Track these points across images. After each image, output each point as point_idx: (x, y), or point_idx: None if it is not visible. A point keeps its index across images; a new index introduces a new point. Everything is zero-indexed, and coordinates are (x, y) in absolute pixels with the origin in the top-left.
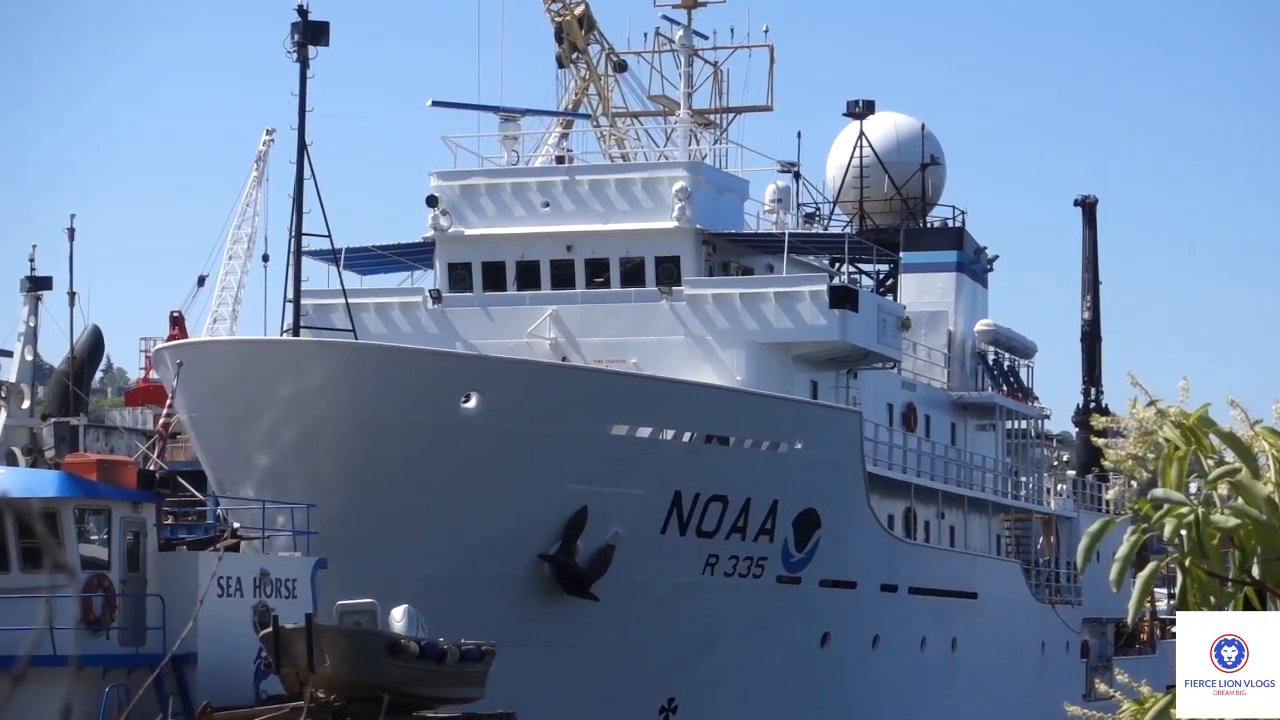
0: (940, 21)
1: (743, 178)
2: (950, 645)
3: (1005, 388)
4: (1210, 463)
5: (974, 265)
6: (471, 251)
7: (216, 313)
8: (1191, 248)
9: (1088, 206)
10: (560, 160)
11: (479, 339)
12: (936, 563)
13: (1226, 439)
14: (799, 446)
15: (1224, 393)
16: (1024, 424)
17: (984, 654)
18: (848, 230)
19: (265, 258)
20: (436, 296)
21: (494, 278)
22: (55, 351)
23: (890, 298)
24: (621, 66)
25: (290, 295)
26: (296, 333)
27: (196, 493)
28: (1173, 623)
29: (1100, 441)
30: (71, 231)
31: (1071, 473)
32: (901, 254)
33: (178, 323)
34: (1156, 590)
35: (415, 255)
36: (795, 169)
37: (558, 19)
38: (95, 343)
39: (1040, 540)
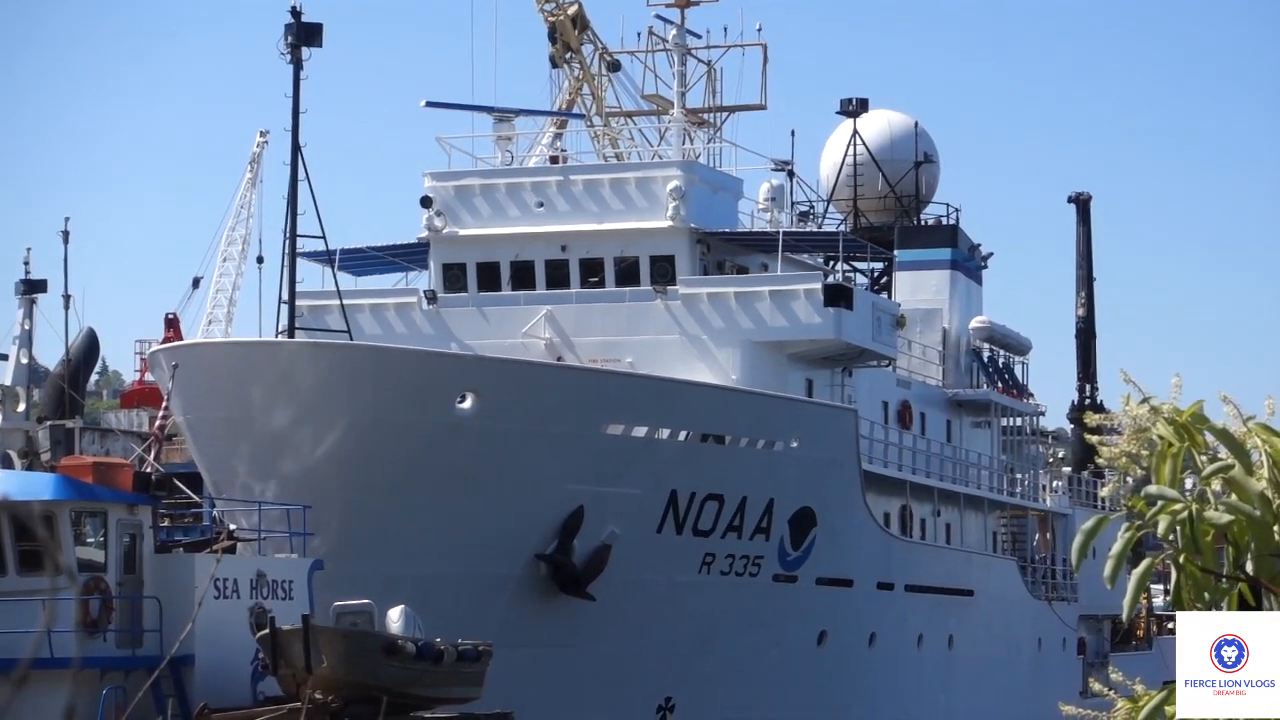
0: (933, 19)
1: (737, 177)
2: (947, 642)
3: (1000, 385)
4: (1204, 459)
5: (968, 263)
6: (466, 252)
7: (211, 315)
8: (1185, 244)
9: (1082, 203)
10: (554, 160)
11: (474, 339)
12: (933, 560)
13: (1220, 435)
14: (794, 445)
15: (1217, 389)
16: (1019, 421)
17: (980, 651)
18: (842, 228)
19: (260, 259)
20: (431, 297)
21: (489, 278)
22: (50, 354)
23: (885, 296)
24: (615, 66)
25: (285, 296)
26: (291, 334)
27: (193, 495)
28: (1169, 619)
29: (1094, 439)
30: (66, 234)
31: (1067, 469)
32: (896, 252)
33: (173, 325)
34: (1152, 586)
35: (410, 256)
36: (789, 167)
37: (551, 19)
38: (90, 345)
39: (1036, 537)
